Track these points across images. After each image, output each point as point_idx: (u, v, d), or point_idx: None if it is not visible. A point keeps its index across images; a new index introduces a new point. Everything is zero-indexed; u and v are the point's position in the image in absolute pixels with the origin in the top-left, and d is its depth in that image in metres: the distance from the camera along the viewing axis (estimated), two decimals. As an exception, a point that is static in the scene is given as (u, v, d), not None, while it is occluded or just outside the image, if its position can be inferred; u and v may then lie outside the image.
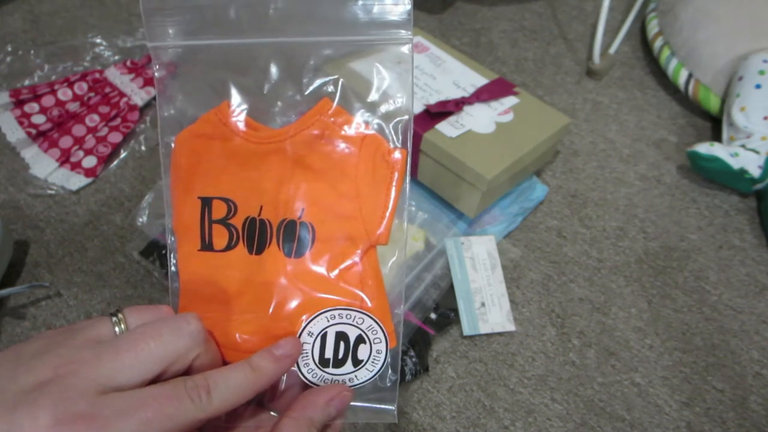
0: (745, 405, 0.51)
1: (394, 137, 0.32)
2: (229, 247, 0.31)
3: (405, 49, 0.31)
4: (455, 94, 0.60)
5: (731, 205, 0.65)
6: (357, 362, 0.31)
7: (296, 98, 0.32)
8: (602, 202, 0.64)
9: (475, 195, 0.54)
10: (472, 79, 0.63)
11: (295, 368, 0.31)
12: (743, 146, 0.61)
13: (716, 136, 0.70)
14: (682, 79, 0.72)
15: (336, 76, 0.31)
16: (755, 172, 0.60)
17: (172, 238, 0.32)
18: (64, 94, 0.66)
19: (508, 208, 0.61)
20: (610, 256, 0.60)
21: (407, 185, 0.32)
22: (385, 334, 0.32)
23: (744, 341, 0.55)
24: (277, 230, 0.31)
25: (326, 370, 0.31)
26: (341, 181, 0.31)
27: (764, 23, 0.68)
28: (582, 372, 0.52)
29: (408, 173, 0.32)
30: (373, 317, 0.31)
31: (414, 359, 0.50)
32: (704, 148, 0.62)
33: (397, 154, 0.32)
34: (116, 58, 0.73)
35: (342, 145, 0.31)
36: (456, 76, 0.63)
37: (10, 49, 0.73)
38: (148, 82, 0.68)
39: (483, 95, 0.60)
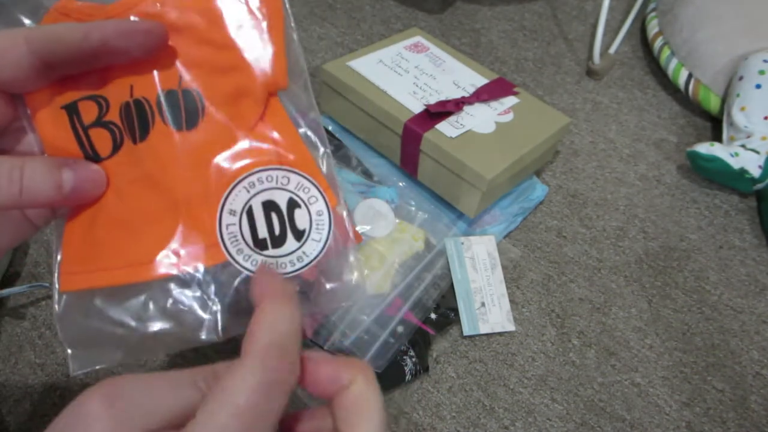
0: (745, 405, 0.51)
1: None
2: (116, 147, 0.27)
3: None
4: (455, 94, 0.60)
5: (731, 205, 0.65)
6: (299, 234, 0.26)
7: None
8: (602, 202, 0.64)
9: (475, 195, 0.54)
10: (472, 79, 0.63)
11: (228, 258, 0.26)
12: (743, 146, 0.61)
13: (716, 136, 0.70)
14: (682, 79, 0.72)
15: None
16: (755, 172, 0.60)
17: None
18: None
19: (508, 208, 0.61)
20: (610, 256, 0.60)
21: (292, 24, 0.28)
22: (320, 190, 0.27)
23: (744, 341, 0.55)
24: (157, 105, 0.27)
25: (266, 252, 0.26)
26: (209, 31, 0.27)
27: (764, 23, 0.68)
28: (582, 372, 0.52)
29: (289, 15, 0.28)
30: (299, 172, 0.27)
31: (414, 359, 0.50)
32: (704, 148, 0.62)
33: None
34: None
35: None
36: (456, 76, 0.63)
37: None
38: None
39: (483, 95, 0.60)
